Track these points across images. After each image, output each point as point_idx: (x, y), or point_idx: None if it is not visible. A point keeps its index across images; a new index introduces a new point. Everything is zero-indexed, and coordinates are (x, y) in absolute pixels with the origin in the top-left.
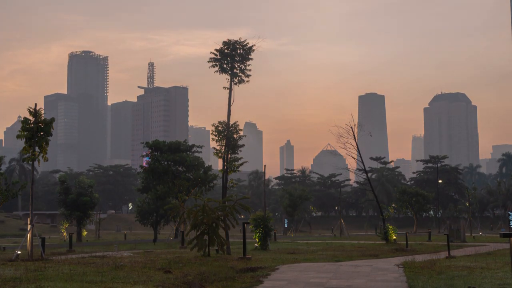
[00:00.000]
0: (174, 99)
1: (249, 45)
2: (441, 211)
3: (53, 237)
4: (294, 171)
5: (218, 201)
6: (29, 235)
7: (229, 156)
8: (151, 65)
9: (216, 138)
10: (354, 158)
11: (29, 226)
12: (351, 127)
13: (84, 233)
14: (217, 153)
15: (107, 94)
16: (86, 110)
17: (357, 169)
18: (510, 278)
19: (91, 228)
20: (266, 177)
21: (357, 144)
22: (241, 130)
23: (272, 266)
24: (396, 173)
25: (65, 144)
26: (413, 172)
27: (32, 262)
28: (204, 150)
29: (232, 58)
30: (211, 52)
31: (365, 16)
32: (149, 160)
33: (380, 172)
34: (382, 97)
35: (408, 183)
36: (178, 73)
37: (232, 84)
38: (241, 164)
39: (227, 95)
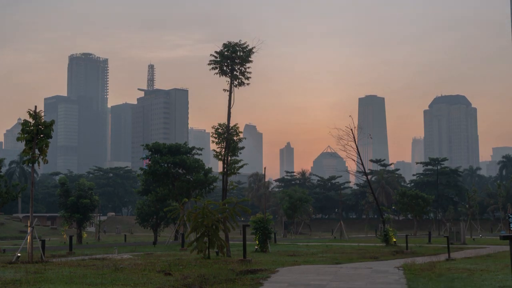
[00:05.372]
0: (174, 101)
1: (249, 48)
2: (441, 213)
3: (53, 239)
4: (294, 174)
5: (218, 203)
6: (29, 237)
7: (229, 158)
8: (151, 67)
9: (216, 140)
10: (354, 161)
11: (29, 229)
12: (351, 129)
13: (84, 235)
14: (217, 155)
15: (107, 96)
16: (86, 113)
17: (357, 171)
18: (510, 281)
19: (91, 230)
20: (266, 180)
21: (357, 146)
22: (241, 132)
23: (272, 268)
24: (396, 175)
25: (65, 146)
26: (413, 175)
27: (32, 264)
28: (204, 152)
29: (232, 61)
30: (211, 55)
31: (366, 17)
32: (149, 162)
33: (380, 174)
34: (382, 99)
35: (408, 185)
36: (178, 75)
37: (232, 86)
38: (241, 167)
39: (227, 98)
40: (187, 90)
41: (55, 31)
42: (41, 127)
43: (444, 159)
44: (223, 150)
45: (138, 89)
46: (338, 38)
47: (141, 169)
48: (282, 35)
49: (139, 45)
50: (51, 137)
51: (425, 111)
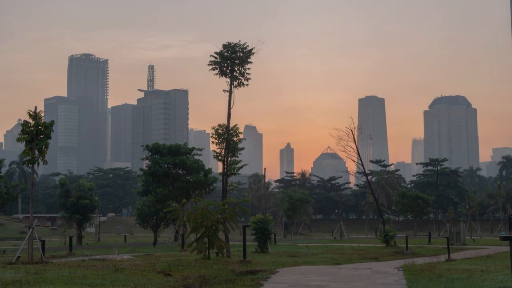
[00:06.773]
0: (174, 102)
1: (248, 48)
2: (441, 214)
3: (53, 240)
4: (294, 174)
5: (218, 204)
6: (29, 238)
7: (229, 159)
8: (151, 68)
9: (216, 141)
10: (354, 161)
11: (29, 229)
12: (351, 130)
13: (84, 236)
14: (217, 156)
15: (107, 97)
16: (86, 113)
17: (357, 172)
18: (510, 281)
19: (91, 231)
20: (266, 180)
21: (357, 147)
22: (241, 133)
23: (272, 269)
24: (396, 176)
25: (65, 147)
26: (413, 175)
27: (32, 265)
28: (204, 153)
29: (232, 61)
30: (211, 55)
31: (365, 18)
32: (149, 163)
33: (380, 175)
34: (382, 99)
35: (408, 186)
36: (178, 75)
37: (232, 87)
38: (241, 167)
39: (227, 98)
40: (187, 91)
41: (54, 31)
42: (41, 127)
43: (444, 160)
44: (223, 150)
45: (138, 89)
46: (338, 37)
47: (141, 169)
48: (282, 34)
49: (139, 45)
50: (51, 138)
51: (425, 112)
